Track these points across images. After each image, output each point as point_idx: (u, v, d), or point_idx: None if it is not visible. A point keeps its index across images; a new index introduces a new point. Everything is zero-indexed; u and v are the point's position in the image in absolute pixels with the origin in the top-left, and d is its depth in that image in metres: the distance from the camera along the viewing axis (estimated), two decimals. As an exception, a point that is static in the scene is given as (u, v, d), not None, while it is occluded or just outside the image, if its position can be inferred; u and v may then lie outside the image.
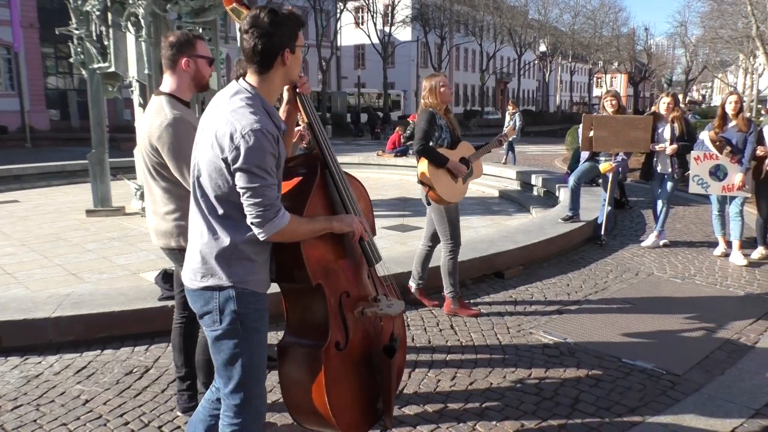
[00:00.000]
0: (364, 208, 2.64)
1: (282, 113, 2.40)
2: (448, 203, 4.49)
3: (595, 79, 70.22)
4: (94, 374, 3.68)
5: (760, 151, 5.98)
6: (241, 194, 2.03)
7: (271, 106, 2.16)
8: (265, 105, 2.12)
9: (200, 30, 8.11)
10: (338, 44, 43.08)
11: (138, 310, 4.16)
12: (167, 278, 4.23)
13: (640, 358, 3.89)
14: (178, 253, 2.84)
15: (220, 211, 2.09)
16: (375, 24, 41.57)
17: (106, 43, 8.73)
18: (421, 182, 4.50)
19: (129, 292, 4.50)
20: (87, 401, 3.35)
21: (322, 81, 40.03)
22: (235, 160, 1.99)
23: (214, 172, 2.05)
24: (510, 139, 4.88)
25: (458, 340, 4.21)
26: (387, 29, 42.18)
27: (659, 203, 6.79)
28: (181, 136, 2.68)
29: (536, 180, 11.14)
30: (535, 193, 11.13)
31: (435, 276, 4.88)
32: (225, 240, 2.09)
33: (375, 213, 2.95)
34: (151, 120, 2.77)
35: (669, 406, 3.28)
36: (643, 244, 6.86)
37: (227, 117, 2.04)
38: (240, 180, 2.01)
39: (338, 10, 41.12)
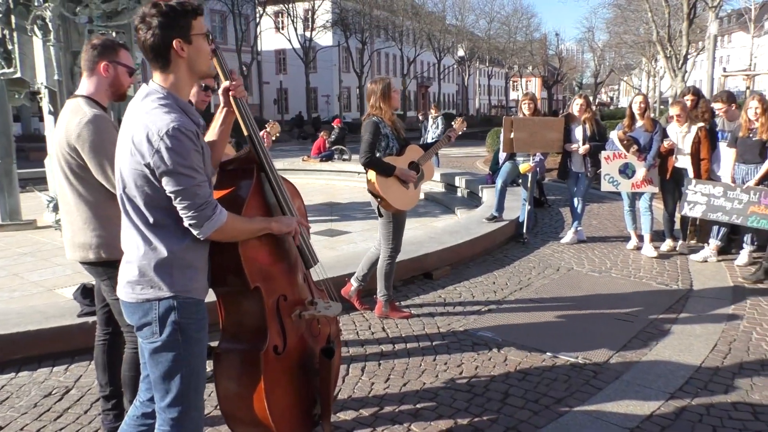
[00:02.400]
0: (298, 210, 2.63)
1: (217, 117, 2.33)
2: (401, 211, 4.49)
3: (511, 82, 72.67)
4: (8, 398, 3.46)
5: (663, 150, 6.36)
6: (173, 198, 1.97)
7: (186, 103, 2.09)
8: (179, 102, 2.05)
9: (114, 34, 7.79)
10: (259, 49, 42.49)
11: (56, 328, 3.94)
12: (86, 293, 4.03)
13: (564, 350, 4.05)
14: (98, 267, 2.72)
15: (152, 220, 2.02)
16: (296, 29, 41.29)
17: (10, 47, 8.22)
18: (371, 193, 4.48)
19: (46, 310, 4.25)
20: (1, 428, 3.14)
21: (243, 86, 39.30)
22: (159, 163, 1.93)
23: (139, 179, 1.98)
24: (459, 133, 4.85)
25: (391, 342, 4.25)
26: (308, 34, 41.99)
27: (575, 201, 7.10)
28: (102, 134, 2.56)
29: (460, 181, 11.39)
30: (459, 194, 11.37)
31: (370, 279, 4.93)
32: (162, 250, 2.02)
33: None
34: (69, 119, 2.63)
35: (593, 395, 3.44)
36: (562, 240, 7.16)
37: (142, 120, 1.97)
38: (168, 184, 1.95)
39: (258, 15, 40.57)
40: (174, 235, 2.04)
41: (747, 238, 6.19)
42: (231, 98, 2.29)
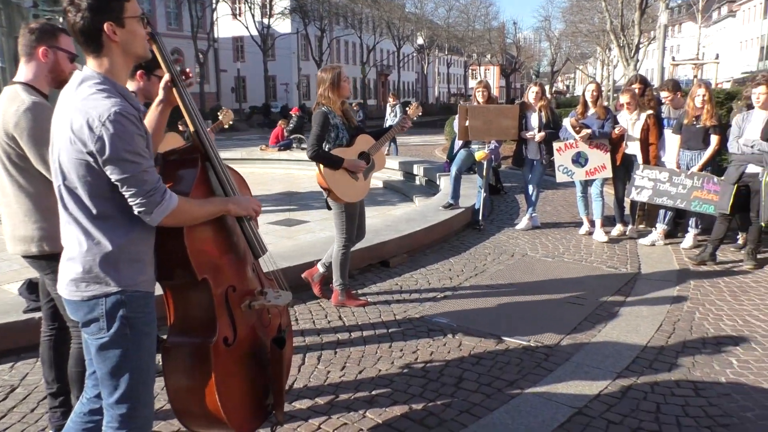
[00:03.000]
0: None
1: (153, 109, 2.28)
2: (350, 203, 4.48)
3: (470, 71, 73.14)
4: (-50, 398, 3.35)
5: (614, 135, 6.51)
6: (120, 186, 1.91)
7: (124, 88, 2.03)
8: (118, 88, 1.98)
9: (60, 19, 7.53)
10: (215, 36, 41.68)
11: (1, 324, 3.83)
12: (32, 288, 3.90)
13: (517, 334, 4.13)
14: (41, 260, 2.65)
15: (96, 212, 1.95)
16: (253, 15, 40.63)
17: (-52, 33, 7.88)
18: (320, 185, 4.46)
19: (-11, 306, 4.12)
20: (-57, 429, 3.04)
21: (200, 74, 38.57)
22: (102, 151, 1.86)
23: (80, 169, 1.91)
24: (414, 118, 4.80)
25: (347, 330, 4.26)
26: (266, 21, 41.38)
27: (530, 188, 7.22)
28: (42, 122, 2.47)
29: (418, 170, 11.45)
30: (417, 182, 11.44)
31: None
32: (107, 244, 1.96)
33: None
34: (6, 107, 2.54)
35: (544, 377, 3.53)
36: (517, 227, 7.28)
37: (79, 107, 1.89)
38: (113, 172, 1.89)
39: (213, 1, 39.74)
40: (119, 228, 1.98)
41: (692, 221, 6.41)
42: (174, 90, 2.24)
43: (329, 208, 4.58)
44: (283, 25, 44.37)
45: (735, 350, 3.88)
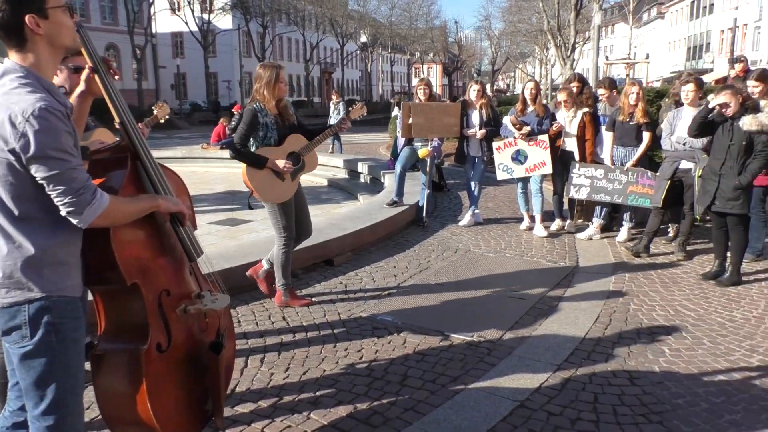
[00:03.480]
0: (183, 202, 2.52)
1: (74, 99, 2.16)
2: (275, 203, 4.41)
3: (413, 69, 73.62)
4: None
5: (551, 132, 6.67)
6: (46, 186, 1.81)
7: (50, 83, 1.92)
8: (43, 82, 1.87)
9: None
10: (153, 31, 40.47)
11: None
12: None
13: (461, 330, 4.17)
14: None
15: (18, 213, 1.84)
16: (192, 11, 39.65)
17: None
18: (246, 185, 4.40)
19: None
20: None
21: (137, 71, 37.38)
22: (26, 148, 1.75)
23: (1, 168, 1.80)
24: (355, 118, 4.73)
25: (291, 331, 4.21)
26: (206, 16, 40.48)
27: (472, 184, 7.32)
28: None
29: (362, 167, 11.45)
30: (362, 180, 11.44)
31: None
32: (29, 247, 1.86)
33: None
34: None
35: (487, 372, 3.57)
36: (460, 223, 7.36)
37: (0, 102, 1.79)
38: (39, 170, 1.78)
39: (150, -5, 38.59)
40: (44, 230, 1.88)
41: (626, 216, 6.63)
42: (100, 83, 2.14)
43: (250, 208, 4.54)
44: (224, 21, 43.50)
45: (667, 339, 4.04)
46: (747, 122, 4.82)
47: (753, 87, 5.39)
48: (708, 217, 5.70)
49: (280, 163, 4.28)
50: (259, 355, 3.81)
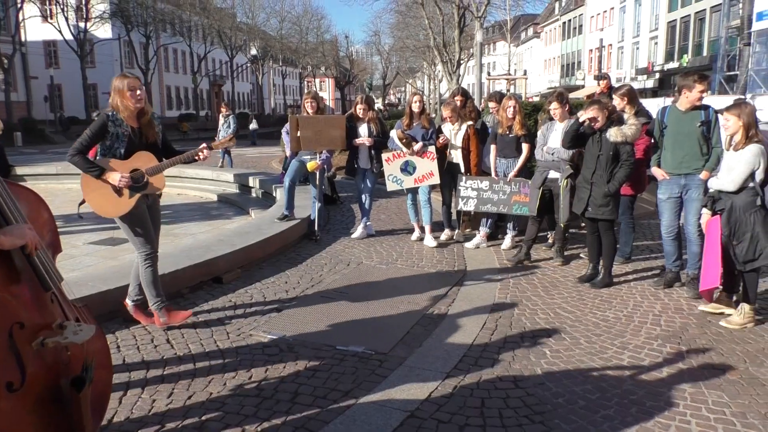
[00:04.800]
0: (42, 224, 2.32)
1: None
2: (108, 216, 4.19)
3: (305, 83, 73.42)
4: None
5: (438, 145, 6.86)
6: None
7: None
8: None
9: None
10: (23, 39, 37.56)
11: None
12: None
13: (353, 343, 4.16)
14: None
15: None
16: (67, 18, 37.27)
17: None
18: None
19: None
20: None
21: (5, 81, 34.50)
22: None
23: None
24: (226, 147, 4.51)
25: (175, 353, 4.00)
26: (82, 25, 38.18)
27: (363, 197, 7.37)
28: None
29: (254, 182, 11.22)
30: (253, 194, 11.20)
31: (172, 284, 4.69)
32: None
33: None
34: None
35: (378, 384, 3.57)
36: (352, 236, 7.38)
37: None
38: None
39: (18, 0, 35.80)
40: None
41: (510, 224, 6.93)
42: None
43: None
44: (102, 30, 41.22)
45: (548, 341, 4.24)
46: (613, 134, 5.21)
47: (618, 102, 5.83)
48: (582, 224, 6.09)
49: (116, 176, 4.01)
50: (140, 382, 3.59)
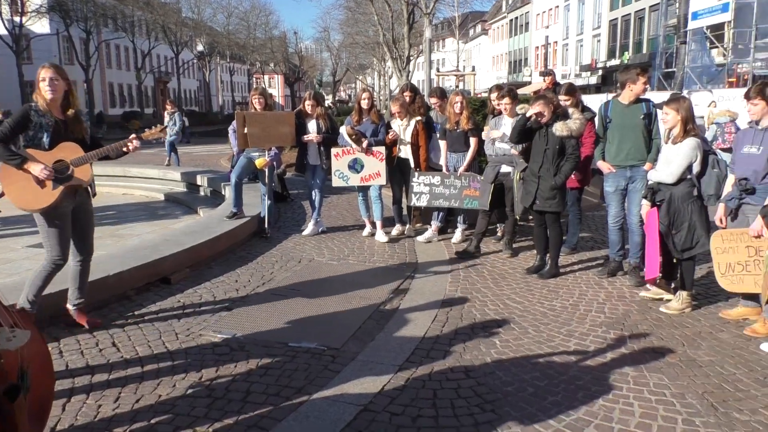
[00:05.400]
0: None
1: None
2: (28, 208, 4.02)
3: (254, 79, 72.37)
4: None
5: (387, 140, 6.89)
6: None
7: None
8: None
9: None
10: (-52, 34, 35.75)
11: None
12: None
13: (305, 340, 4.14)
14: None
15: None
16: (1, 13, 35.63)
17: None
18: None
19: None
20: None
21: None
22: None
23: None
24: (135, 144, 4.26)
25: (122, 356, 3.90)
26: (17, 19, 36.58)
27: (314, 193, 7.33)
28: None
29: (202, 180, 11.02)
30: (202, 193, 11.00)
31: (96, 290, 4.54)
32: None
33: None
34: None
35: (331, 379, 3.57)
36: (303, 233, 7.34)
37: None
38: None
39: (-53, -7, 34.09)
40: None
41: (460, 218, 7.03)
42: None
43: None
44: (40, 25, 39.60)
45: (498, 331, 4.32)
46: (558, 128, 5.34)
47: (563, 99, 5.98)
48: (530, 216, 6.22)
49: (37, 167, 3.87)
50: (84, 387, 3.49)
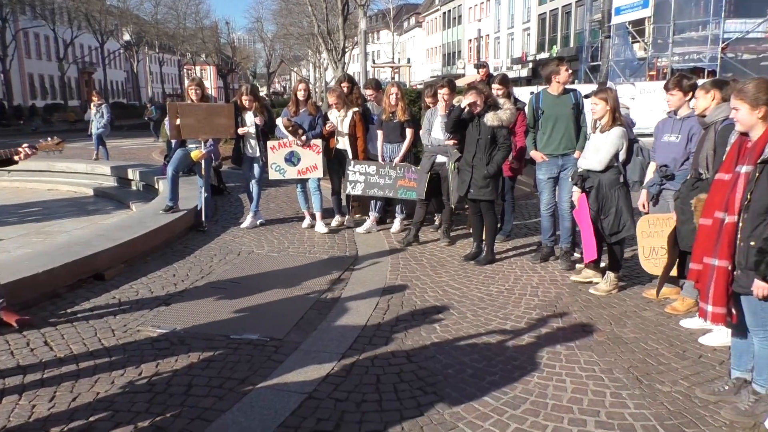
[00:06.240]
0: None
1: None
2: None
3: (185, 70, 70.37)
4: None
5: (325, 132, 6.90)
6: None
7: None
8: None
9: None
10: None
11: None
12: None
13: (247, 331, 4.13)
14: None
15: None
16: None
17: None
18: None
19: None
20: None
21: None
22: None
23: None
24: (26, 154, 4.07)
25: (55, 355, 3.78)
26: None
27: (252, 185, 7.26)
28: None
29: (133, 174, 10.69)
30: (134, 187, 10.67)
31: (25, 288, 4.38)
32: None
33: None
34: None
35: (274, 369, 3.58)
36: (242, 225, 7.26)
37: None
38: None
39: None
40: None
41: (398, 208, 7.13)
42: None
43: None
44: (-51, 12, 37.16)
45: (438, 317, 4.43)
46: (490, 118, 5.50)
47: (496, 89, 6.15)
48: (466, 206, 6.38)
49: None
50: (16, 388, 3.37)
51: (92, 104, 14.89)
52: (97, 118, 14.41)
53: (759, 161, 2.79)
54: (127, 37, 54.99)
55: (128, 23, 52.11)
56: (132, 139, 22.94)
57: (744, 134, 2.97)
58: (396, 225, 7.07)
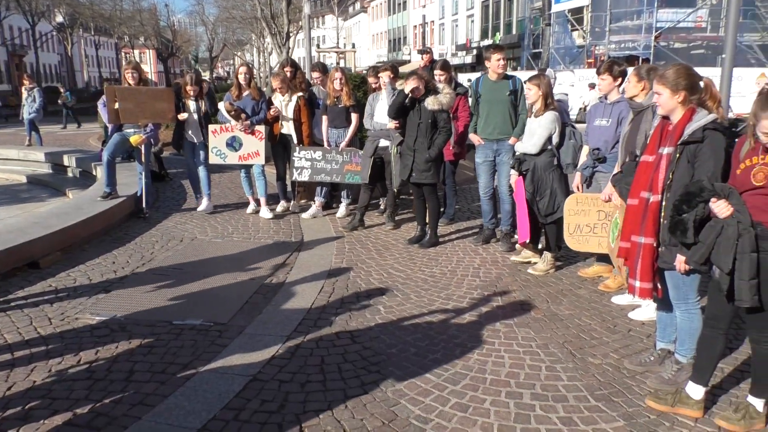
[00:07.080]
0: None
1: None
2: None
3: (123, 54, 67.88)
4: None
5: (269, 116, 6.84)
6: None
7: None
8: None
9: None
10: None
11: None
12: None
13: (190, 317, 4.10)
14: None
15: None
16: None
17: None
18: None
19: None
20: None
21: None
22: None
23: None
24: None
25: (-12, 346, 3.67)
26: None
27: (200, 170, 7.12)
28: None
29: (69, 160, 10.33)
30: (70, 174, 10.31)
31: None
32: None
33: None
34: None
35: (218, 353, 3.58)
36: (198, 209, 7.14)
37: None
38: None
39: None
40: None
41: (344, 193, 7.15)
42: None
43: None
44: None
45: (382, 299, 4.51)
46: (430, 102, 5.58)
47: (438, 75, 6.23)
48: (411, 190, 6.46)
49: None
50: (-54, 380, 3.26)
51: (23, 88, 14.24)
52: (29, 102, 13.80)
53: (679, 143, 2.96)
54: (59, 18, 52.56)
55: (61, 4, 49.81)
56: (69, 124, 22.09)
57: (666, 118, 3.13)
58: (342, 210, 7.10)
